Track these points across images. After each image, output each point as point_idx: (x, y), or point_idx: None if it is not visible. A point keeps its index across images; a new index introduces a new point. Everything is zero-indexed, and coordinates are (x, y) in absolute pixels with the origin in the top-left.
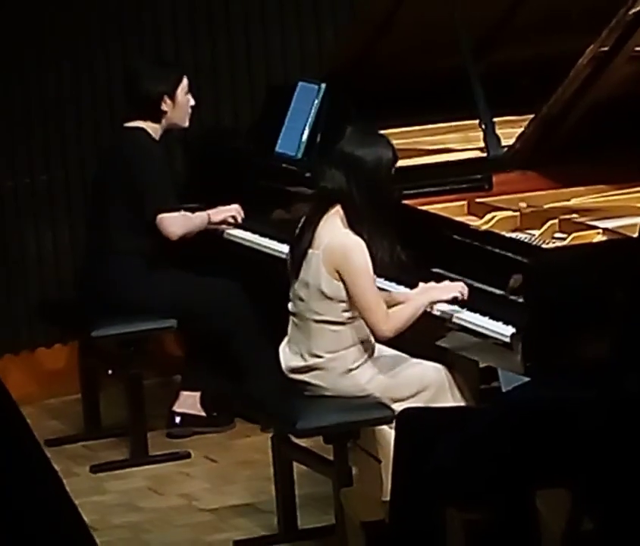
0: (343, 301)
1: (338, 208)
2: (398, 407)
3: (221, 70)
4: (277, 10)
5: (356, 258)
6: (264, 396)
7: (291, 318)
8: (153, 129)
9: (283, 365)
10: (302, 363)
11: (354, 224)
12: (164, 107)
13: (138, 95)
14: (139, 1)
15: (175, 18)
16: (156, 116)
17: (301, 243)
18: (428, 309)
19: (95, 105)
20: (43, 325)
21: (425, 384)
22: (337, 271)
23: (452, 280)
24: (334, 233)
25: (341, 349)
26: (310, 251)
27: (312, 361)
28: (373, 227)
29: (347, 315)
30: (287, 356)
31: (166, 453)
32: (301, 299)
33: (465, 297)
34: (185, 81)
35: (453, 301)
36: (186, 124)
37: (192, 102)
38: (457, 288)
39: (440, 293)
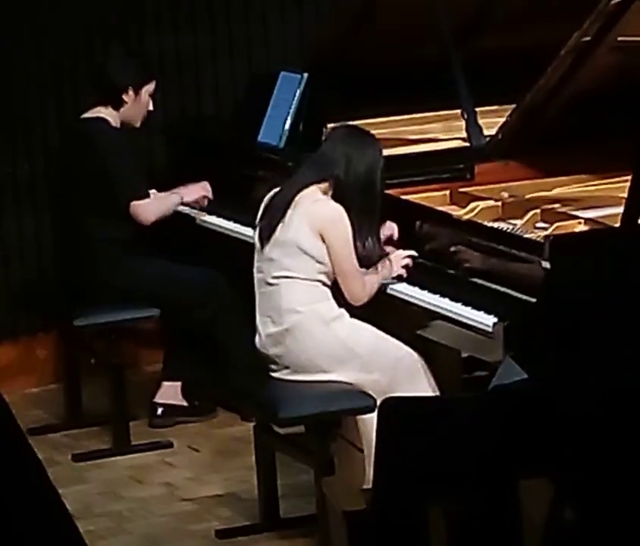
0: (321, 262)
1: (322, 185)
2: (374, 378)
3: (204, 58)
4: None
5: (341, 225)
6: (245, 386)
7: (259, 290)
8: (113, 117)
9: (258, 343)
10: (277, 328)
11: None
12: (125, 98)
13: (106, 79)
14: None
15: (158, 7)
16: (116, 105)
17: (277, 207)
18: (410, 299)
19: (75, 94)
20: (25, 314)
21: (402, 361)
22: (321, 234)
23: (434, 269)
24: (316, 198)
25: (316, 301)
26: (290, 212)
27: (287, 321)
28: (359, 219)
29: (322, 276)
30: (261, 328)
31: (148, 443)
32: (271, 260)
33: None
34: (153, 84)
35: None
36: (138, 125)
37: (151, 107)
38: (403, 263)
39: (395, 269)
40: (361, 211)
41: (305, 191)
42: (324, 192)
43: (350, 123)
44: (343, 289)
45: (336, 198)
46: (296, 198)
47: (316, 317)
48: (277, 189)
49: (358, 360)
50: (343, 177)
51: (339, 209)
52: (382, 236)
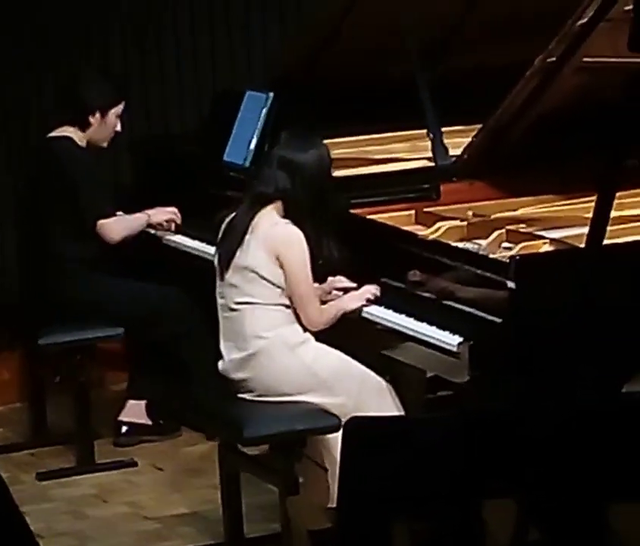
0: (281, 287)
1: (276, 204)
2: (340, 401)
3: (169, 75)
4: (224, 17)
5: (297, 248)
6: (210, 405)
7: (222, 314)
8: (79, 137)
9: (222, 367)
10: (241, 354)
11: (296, 220)
12: (92, 120)
13: (74, 99)
14: (86, 7)
15: (123, 23)
16: (83, 125)
17: (234, 232)
18: (375, 319)
19: (41, 112)
20: None
21: (367, 383)
22: (278, 258)
23: (400, 290)
24: (274, 221)
25: (279, 326)
26: (247, 237)
27: (252, 347)
28: (316, 226)
29: (285, 300)
30: (225, 353)
31: (112, 461)
32: (232, 286)
33: (376, 297)
34: (121, 106)
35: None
36: (105, 145)
37: (118, 128)
38: (370, 295)
39: (359, 302)
40: (316, 216)
41: (263, 213)
42: (280, 212)
43: (292, 129)
44: (299, 313)
45: (291, 212)
46: (254, 221)
47: (281, 342)
48: (234, 213)
49: (323, 384)
50: (290, 187)
51: (295, 232)
52: (332, 288)
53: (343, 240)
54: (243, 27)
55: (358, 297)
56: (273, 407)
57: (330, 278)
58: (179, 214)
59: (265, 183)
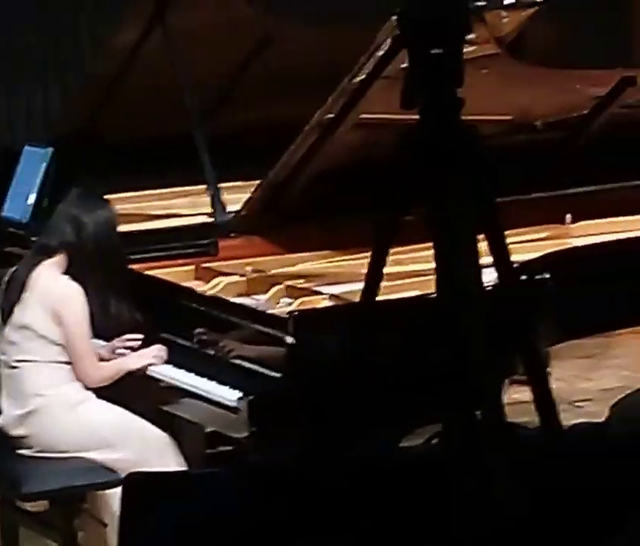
0: (60, 344)
1: (58, 258)
2: (121, 457)
3: None
4: (3, 71)
5: (76, 305)
6: None
7: (3, 371)
8: None
9: (1, 421)
10: (21, 410)
11: (78, 276)
12: None
13: None
14: None
15: None
16: None
17: (13, 287)
18: (155, 375)
19: None
20: None
21: (149, 440)
22: (57, 316)
23: (179, 345)
24: (54, 277)
25: (60, 384)
26: (26, 294)
27: (31, 404)
28: (102, 285)
29: (65, 357)
30: (5, 408)
31: None
32: (12, 343)
33: (163, 359)
34: None
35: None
36: None
37: None
38: (154, 357)
39: (141, 362)
40: (103, 274)
41: (44, 266)
42: (62, 267)
43: (82, 187)
44: (76, 368)
45: (75, 266)
46: (33, 276)
47: (61, 401)
48: (14, 268)
49: (104, 442)
50: (75, 242)
51: (75, 289)
52: (117, 347)
53: (134, 299)
54: (24, 83)
55: (143, 356)
56: (52, 462)
57: (116, 339)
58: None
59: (49, 235)
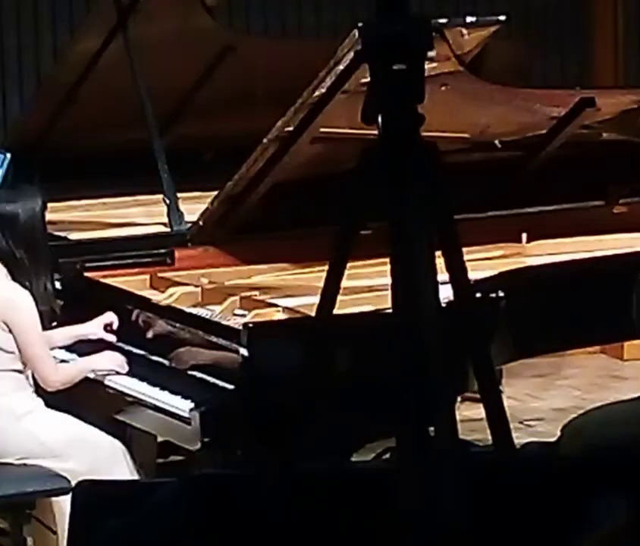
0: (11, 352)
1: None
2: (70, 467)
3: None
4: None
5: (25, 312)
6: None
7: None
8: None
9: None
10: None
11: (18, 277)
12: None
13: None
14: None
15: None
16: None
17: None
18: (107, 382)
19: None
20: None
21: (100, 449)
22: (5, 323)
23: (133, 354)
24: (1, 286)
25: (9, 392)
26: None
27: None
28: (36, 276)
29: (17, 365)
30: None
31: None
32: None
33: (124, 370)
34: None
35: (116, 372)
36: None
37: None
38: (117, 362)
39: (103, 363)
40: (30, 261)
41: None
42: (5, 273)
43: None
44: (34, 373)
45: (14, 275)
46: None
47: (7, 411)
48: None
49: (51, 452)
50: (3, 242)
51: (21, 294)
52: (100, 325)
53: (80, 301)
54: None
55: (107, 359)
56: (2, 469)
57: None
58: None
59: None
